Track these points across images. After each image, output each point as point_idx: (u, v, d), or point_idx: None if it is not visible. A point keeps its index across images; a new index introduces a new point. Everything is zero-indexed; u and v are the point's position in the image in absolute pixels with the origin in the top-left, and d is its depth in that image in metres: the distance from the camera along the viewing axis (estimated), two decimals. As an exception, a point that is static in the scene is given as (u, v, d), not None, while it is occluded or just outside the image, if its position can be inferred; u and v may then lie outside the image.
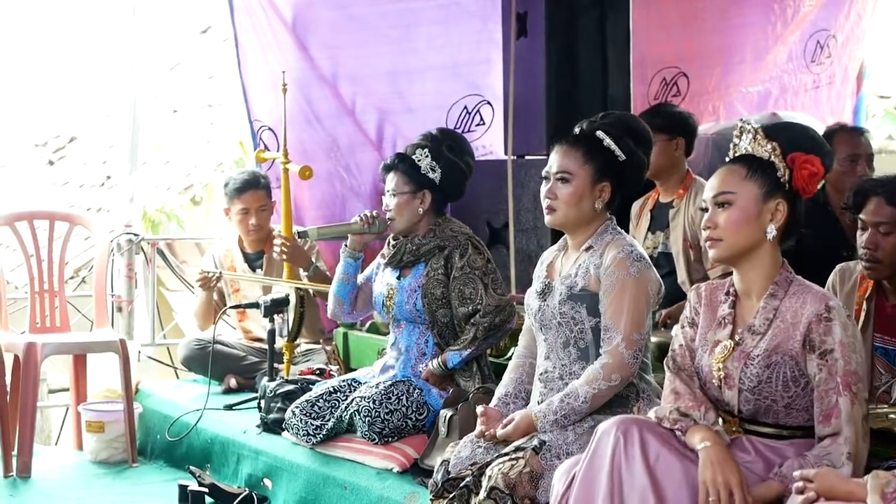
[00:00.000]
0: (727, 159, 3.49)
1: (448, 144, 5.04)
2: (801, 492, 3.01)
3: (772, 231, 3.37)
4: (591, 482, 3.35)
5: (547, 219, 4.08)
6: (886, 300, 4.17)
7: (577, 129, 4.13)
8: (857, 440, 3.23)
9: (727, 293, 3.50)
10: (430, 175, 4.97)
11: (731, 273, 3.53)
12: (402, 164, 5.01)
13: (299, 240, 5.66)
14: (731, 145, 3.50)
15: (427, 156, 4.98)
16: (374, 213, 5.20)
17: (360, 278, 5.23)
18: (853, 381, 3.26)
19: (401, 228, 5.02)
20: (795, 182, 3.38)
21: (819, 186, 5.74)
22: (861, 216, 4.15)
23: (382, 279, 5.11)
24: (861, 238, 4.14)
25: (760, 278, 3.41)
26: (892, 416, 3.85)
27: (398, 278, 5.04)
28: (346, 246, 5.21)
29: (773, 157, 3.39)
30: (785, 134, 3.46)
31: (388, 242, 5.12)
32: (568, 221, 4.06)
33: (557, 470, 3.58)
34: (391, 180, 5.01)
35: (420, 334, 5.02)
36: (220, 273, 6.37)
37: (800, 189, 3.40)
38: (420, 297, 4.94)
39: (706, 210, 3.43)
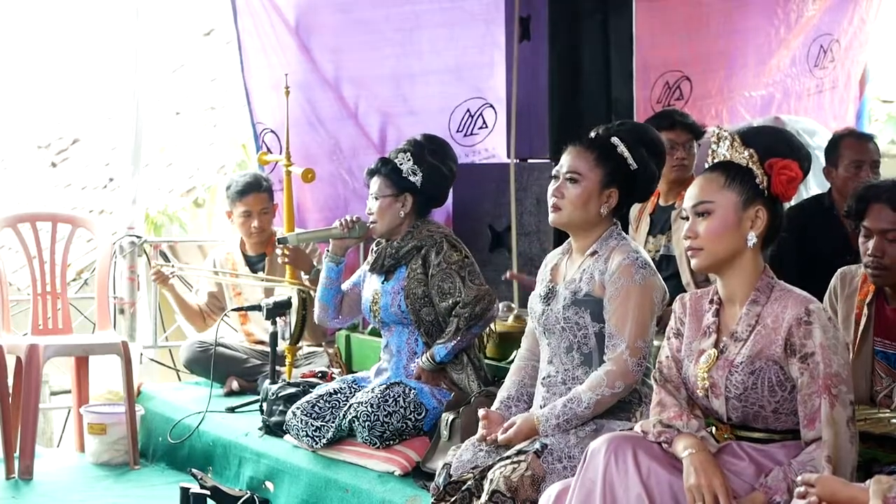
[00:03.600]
0: (705, 166, 3.48)
1: (431, 149, 5.12)
2: (802, 496, 3.00)
3: (752, 238, 3.36)
4: (585, 500, 3.35)
5: (551, 217, 4.08)
6: (887, 304, 4.15)
7: (592, 134, 4.13)
8: (838, 443, 3.21)
9: (711, 301, 3.49)
10: (412, 178, 5.04)
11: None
12: (385, 167, 5.08)
13: (278, 245, 5.65)
14: (710, 152, 3.49)
15: (409, 160, 5.04)
16: (355, 217, 5.26)
17: (347, 284, 5.28)
18: (833, 383, 3.24)
19: (382, 231, 5.08)
20: (774, 188, 3.36)
21: (825, 191, 5.80)
22: (865, 223, 4.11)
23: (369, 285, 5.17)
24: (866, 245, 4.10)
25: (743, 285, 3.39)
26: (893, 420, 3.84)
27: (383, 283, 5.08)
28: (328, 251, 5.26)
29: (750, 163, 3.37)
30: (762, 139, 3.44)
31: (372, 249, 5.16)
32: (572, 222, 4.06)
33: (544, 494, 3.57)
34: (374, 184, 5.09)
35: (409, 335, 5.07)
36: (173, 267, 6.39)
37: (779, 194, 3.37)
38: (403, 298, 5.00)
39: (686, 218, 3.43)
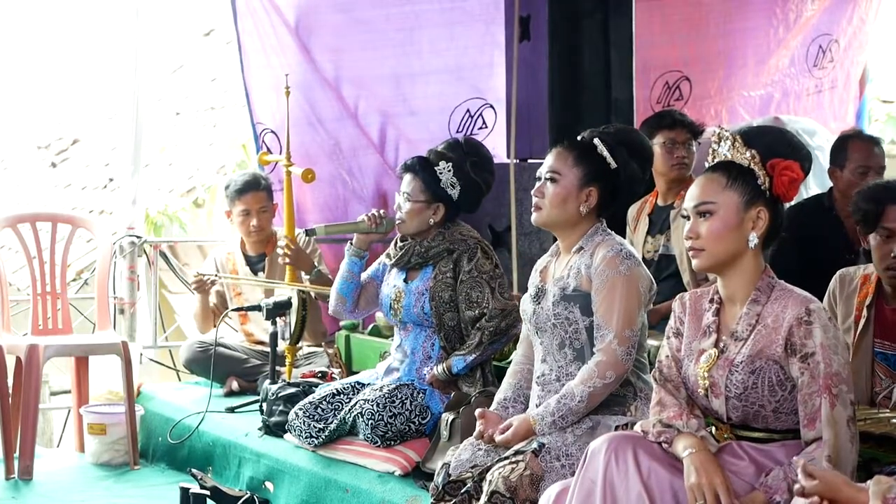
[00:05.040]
0: (706, 166, 3.48)
1: (473, 161, 5.00)
2: (801, 493, 2.99)
3: (754, 239, 3.36)
4: (585, 499, 3.35)
5: (533, 217, 4.13)
6: (887, 305, 4.15)
7: (578, 137, 4.16)
8: (838, 442, 3.21)
9: (711, 300, 3.49)
10: (449, 191, 4.96)
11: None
12: (424, 171, 4.97)
13: (307, 237, 5.67)
14: (710, 151, 3.49)
15: (449, 170, 4.94)
16: (382, 212, 5.19)
17: (364, 276, 5.23)
18: (834, 383, 3.24)
19: (409, 232, 5.02)
20: (776, 189, 3.36)
21: (825, 192, 5.79)
22: (885, 225, 4.07)
23: (389, 281, 5.11)
24: (887, 247, 4.04)
25: (744, 285, 3.39)
26: (893, 420, 3.84)
27: (405, 281, 5.04)
28: (351, 244, 5.21)
29: (752, 164, 3.37)
30: (763, 139, 3.44)
31: (395, 243, 5.12)
32: (551, 222, 4.09)
33: (544, 494, 3.58)
34: (408, 183, 4.99)
35: (426, 338, 5.02)
36: (216, 276, 6.38)
37: (780, 195, 3.38)
38: (428, 300, 4.94)
39: (687, 218, 3.43)
